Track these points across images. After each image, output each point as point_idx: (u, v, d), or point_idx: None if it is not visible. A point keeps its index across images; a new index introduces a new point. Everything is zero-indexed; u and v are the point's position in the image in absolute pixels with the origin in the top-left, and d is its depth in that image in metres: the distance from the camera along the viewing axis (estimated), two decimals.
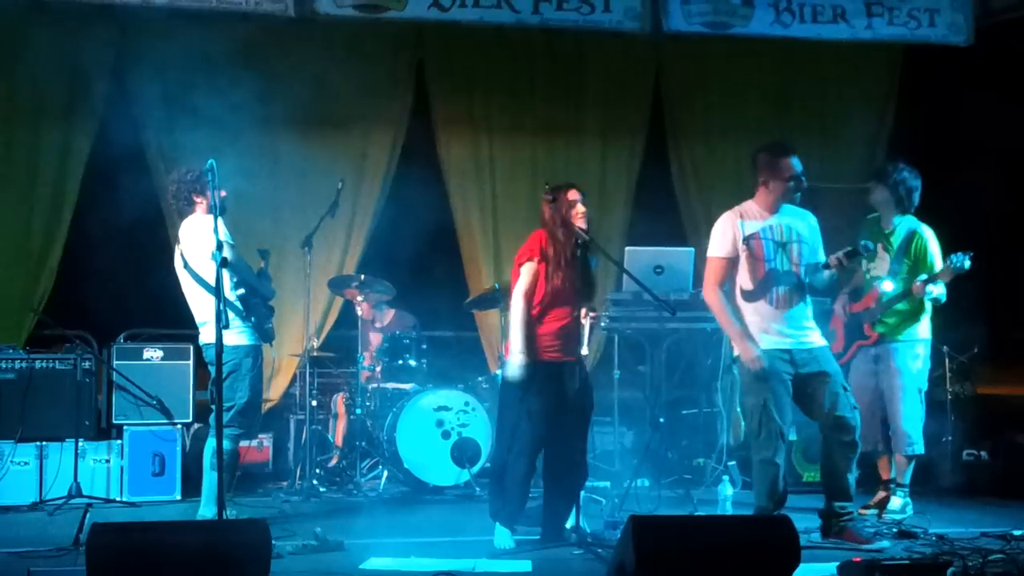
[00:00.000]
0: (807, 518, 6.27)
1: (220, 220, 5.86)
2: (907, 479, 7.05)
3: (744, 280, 6.24)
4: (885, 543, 6.10)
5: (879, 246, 7.02)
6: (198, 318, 6.70)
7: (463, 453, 7.98)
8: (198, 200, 6.64)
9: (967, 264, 6.76)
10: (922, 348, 7.10)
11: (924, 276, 6.95)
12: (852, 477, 6.25)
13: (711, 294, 6.28)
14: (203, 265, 6.47)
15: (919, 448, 7.00)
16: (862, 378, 7.07)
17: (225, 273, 5.84)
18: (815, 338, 6.28)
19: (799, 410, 6.37)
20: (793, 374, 6.17)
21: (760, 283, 6.20)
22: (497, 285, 8.35)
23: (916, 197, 7.12)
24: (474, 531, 6.41)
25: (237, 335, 6.48)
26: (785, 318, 6.19)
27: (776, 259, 6.20)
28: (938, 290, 6.89)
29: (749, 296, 6.23)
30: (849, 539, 6.13)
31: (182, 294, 6.75)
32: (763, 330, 6.18)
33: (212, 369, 6.61)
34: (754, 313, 6.22)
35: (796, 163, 6.26)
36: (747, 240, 6.22)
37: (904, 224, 7.11)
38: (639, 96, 9.82)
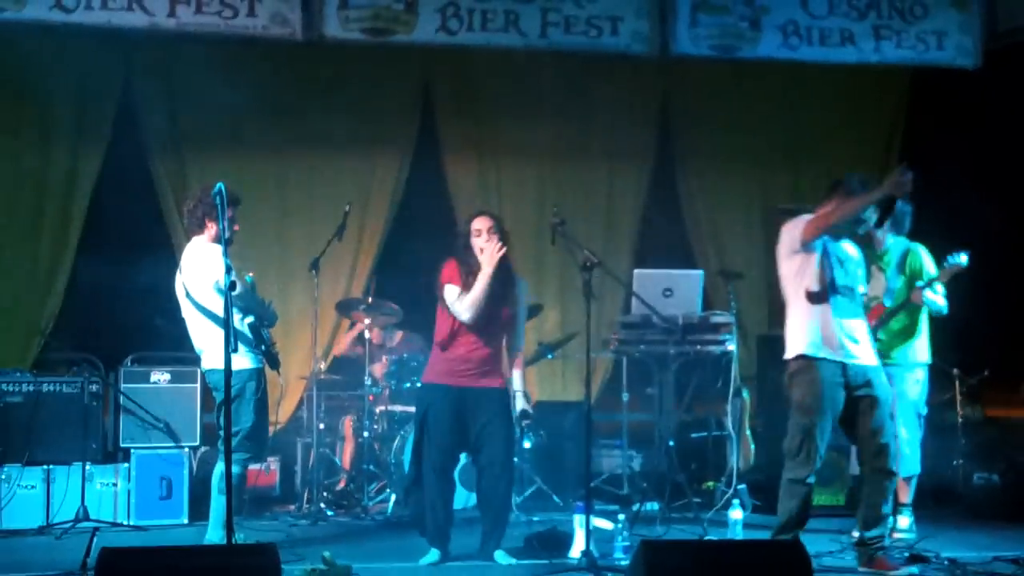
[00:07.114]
0: (819, 541, 6.23)
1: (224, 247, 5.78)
2: (910, 498, 7.10)
3: (811, 282, 6.13)
4: (913, 569, 6.02)
5: (873, 267, 7.02)
6: (197, 345, 6.57)
7: (471, 476, 7.92)
8: (209, 225, 6.43)
9: (964, 261, 6.85)
10: (921, 372, 7.11)
11: (921, 282, 6.98)
12: (887, 506, 6.18)
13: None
14: (205, 295, 6.37)
15: (914, 468, 7.02)
16: None
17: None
18: (869, 356, 6.17)
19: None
20: (845, 393, 6.08)
21: (825, 288, 6.10)
22: None
23: (908, 221, 7.18)
24: (482, 554, 6.36)
25: (239, 359, 6.36)
26: (847, 327, 6.08)
27: (839, 271, 6.14)
28: (940, 300, 6.91)
29: (814, 298, 6.12)
30: (880, 567, 6.00)
31: None
32: (824, 338, 6.06)
33: (216, 395, 6.59)
34: (816, 316, 6.11)
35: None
36: (826, 242, 6.15)
37: (898, 244, 7.18)
38: (647, 119, 9.84)
